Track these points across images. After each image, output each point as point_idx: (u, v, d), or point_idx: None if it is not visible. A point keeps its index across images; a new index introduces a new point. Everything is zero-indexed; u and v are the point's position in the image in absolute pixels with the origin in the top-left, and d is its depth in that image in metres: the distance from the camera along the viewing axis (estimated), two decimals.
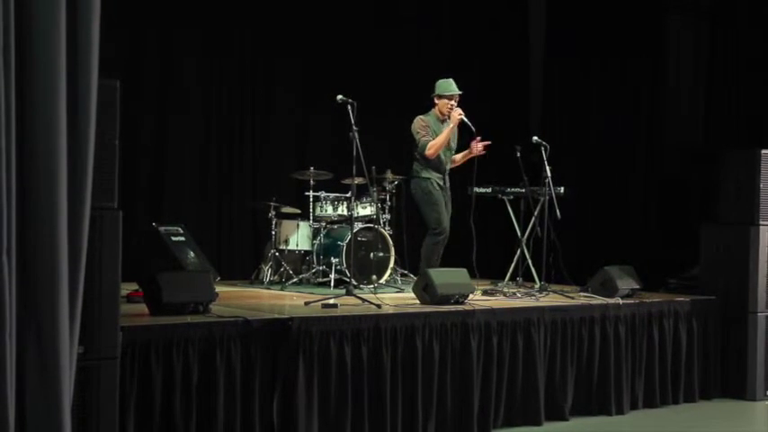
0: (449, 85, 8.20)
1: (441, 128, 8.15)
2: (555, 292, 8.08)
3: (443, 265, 8.05)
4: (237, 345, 5.46)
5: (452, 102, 8.15)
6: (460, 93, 8.20)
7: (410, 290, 7.44)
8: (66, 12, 3.98)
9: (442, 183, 8.20)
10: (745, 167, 8.18)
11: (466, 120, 8.02)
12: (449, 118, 8.15)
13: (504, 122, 10.95)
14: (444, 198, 8.22)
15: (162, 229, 8.48)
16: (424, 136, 8.09)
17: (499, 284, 8.76)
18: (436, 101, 8.25)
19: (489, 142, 8.23)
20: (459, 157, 8.44)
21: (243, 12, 9.74)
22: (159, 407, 5.15)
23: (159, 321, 5.43)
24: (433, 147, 8.06)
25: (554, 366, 7.05)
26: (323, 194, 9.06)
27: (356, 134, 7.23)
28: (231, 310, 6.02)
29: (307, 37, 10.09)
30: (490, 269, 9.41)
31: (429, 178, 8.16)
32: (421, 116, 8.22)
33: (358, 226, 8.67)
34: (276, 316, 5.86)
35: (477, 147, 8.22)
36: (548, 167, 8.44)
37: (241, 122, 9.91)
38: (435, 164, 8.14)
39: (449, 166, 8.31)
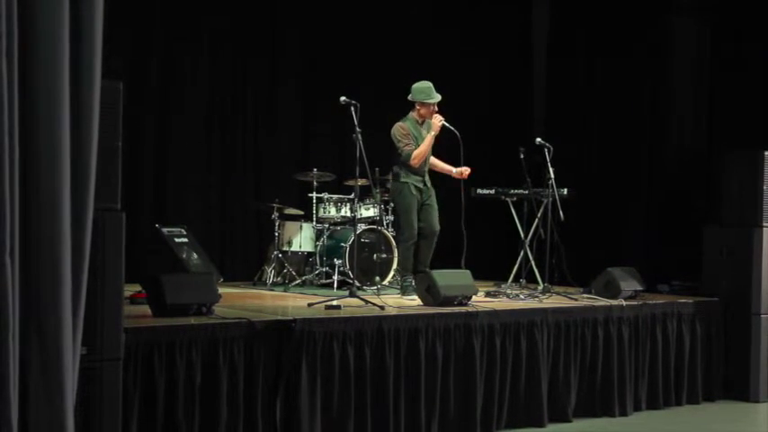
0: (429, 92, 8.06)
1: (420, 131, 8.07)
2: (558, 293, 8.07)
3: (438, 266, 8.03)
4: (240, 346, 5.46)
5: (433, 108, 8.06)
6: (439, 99, 8.10)
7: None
8: (69, 13, 3.99)
9: (421, 185, 8.11)
10: (748, 169, 8.18)
11: (447, 125, 7.96)
12: (428, 118, 8.08)
13: (507, 124, 10.96)
14: (421, 201, 8.10)
15: (165, 230, 8.49)
16: (407, 145, 7.99)
17: (502, 286, 8.77)
18: (417, 106, 8.14)
19: (469, 171, 8.24)
20: (439, 166, 8.35)
21: (245, 12, 9.74)
22: (162, 408, 5.15)
23: (162, 323, 5.43)
24: (417, 157, 7.98)
25: (557, 368, 7.05)
26: (326, 196, 9.08)
27: (359, 136, 7.23)
28: (234, 312, 6.02)
29: (310, 37, 10.10)
30: (493, 271, 9.42)
31: (407, 182, 8.05)
32: (399, 123, 8.08)
33: (361, 227, 8.67)
34: (279, 317, 5.86)
35: (463, 173, 8.22)
36: (551, 169, 8.44)
37: (244, 124, 9.91)
38: (414, 168, 8.08)
39: (427, 168, 8.22)
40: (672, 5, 10.10)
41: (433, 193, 8.15)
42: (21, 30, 3.86)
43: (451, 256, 8.00)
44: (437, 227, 8.10)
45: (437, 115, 8.00)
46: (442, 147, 8.20)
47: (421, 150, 7.97)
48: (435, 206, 8.13)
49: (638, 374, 7.56)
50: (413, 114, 8.12)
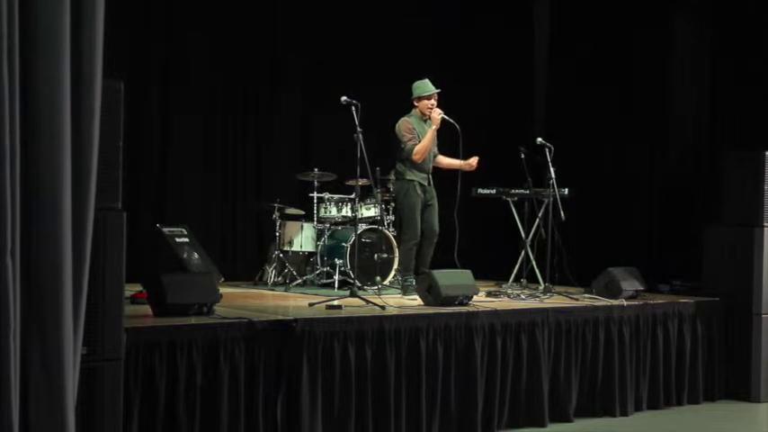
0: (426, 86, 8.08)
1: (424, 128, 8.07)
2: (559, 293, 8.07)
3: (438, 262, 8.03)
4: (241, 346, 5.47)
5: (432, 101, 8.06)
6: (438, 91, 8.10)
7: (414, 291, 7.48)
8: (70, 12, 3.99)
9: (426, 183, 8.11)
10: (750, 169, 8.18)
11: (447, 117, 7.96)
12: (430, 118, 8.07)
13: (507, 124, 10.96)
14: (425, 201, 8.10)
15: (166, 230, 8.49)
16: (410, 140, 8.00)
17: (503, 286, 8.77)
18: (416, 103, 8.11)
19: (477, 159, 8.20)
20: (445, 162, 8.33)
21: (247, 12, 9.74)
22: (163, 408, 5.15)
23: (163, 323, 5.43)
24: (419, 152, 7.97)
25: (558, 368, 7.05)
26: (327, 196, 9.07)
27: (360, 135, 7.23)
28: (235, 312, 6.02)
29: (311, 37, 10.09)
30: (494, 270, 9.42)
31: (412, 180, 8.05)
32: (405, 118, 8.10)
33: (362, 227, 8.67)
34: (280, 317, 5.87)
35: (471, 164, 8.17)
36: (552, 169, 8.44)
37: (245, 123, 9.90)
38: (419, 165, 8.07)
39: (431, 165, 8.22)
40: (673, 5, 10.10)
41: (434, 193, 8.15)
42: (21, 30, 3.86)
43: (452, 254, 8.00)
44: (437, 228, 8.09)
45: (436, 109, 7.99)
46: (443, 141, 8.21)
47: (423, 145, 7.97)
48: (436, 207, 8.13)
49: (638, 374, 7.56)
50: (416, 111, 8.12)
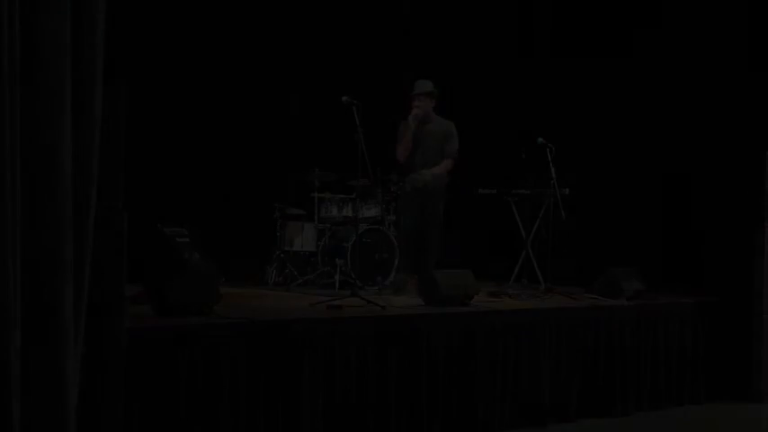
0: (415, 87, 8.16)
1: (422, 128, 8.10)
2: (560, 293, 8.07)
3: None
4: (242, 346, 5.47)
5: (415, 102, 8.09)
6: (431, 91, 8.09)
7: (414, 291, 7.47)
8: (71, 12, 3.99)
9: (419, 185, 8.12)
10: (750, 169, 8.18)
11: (418, 118, 8.02)
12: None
13: (508, 124, 10.94)
14: (418, 203, 8.10)
15: (167, 230, 8.47)
16: (397, 140, 8.11)
17: (504, 286, 8.76)
18: None
19: None
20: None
21: (248, 12, 9.74)
22: (163, 408, 5.15)
23: (164, 322, 5.43)
24: (397, 150, 8.05)
25: (559, 368, 7.05)
26: (328, 196, 9.06)
27: (361, 135, 7.23)
28: (235, 312, 6.02)
29: (313, 37, 10.08)
30: (495, 270, 9.41)
31: (404, 180, 8.17)
32: (405, 119, 8.18)
33: (363, 227, 8.67)
34: (281, 317, 5.86)
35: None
36: (553, 169, 8.44)
37: (246, 122, 9.90)
38: (406, 165, 8.13)
39: (427, 168, 8.21)
40: (673, 5, 10.08)
41: (427, 198, 8.11)
42: (22, 29, 3.86)
43: (452, 255, 8.01)
44: (425, 230, 8.10)
45: (415, 110, 8.03)
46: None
47: (399, 145, 8.03)
48: (427, 212, 8.11)
49: (639, 374, 7.56)
50: None
